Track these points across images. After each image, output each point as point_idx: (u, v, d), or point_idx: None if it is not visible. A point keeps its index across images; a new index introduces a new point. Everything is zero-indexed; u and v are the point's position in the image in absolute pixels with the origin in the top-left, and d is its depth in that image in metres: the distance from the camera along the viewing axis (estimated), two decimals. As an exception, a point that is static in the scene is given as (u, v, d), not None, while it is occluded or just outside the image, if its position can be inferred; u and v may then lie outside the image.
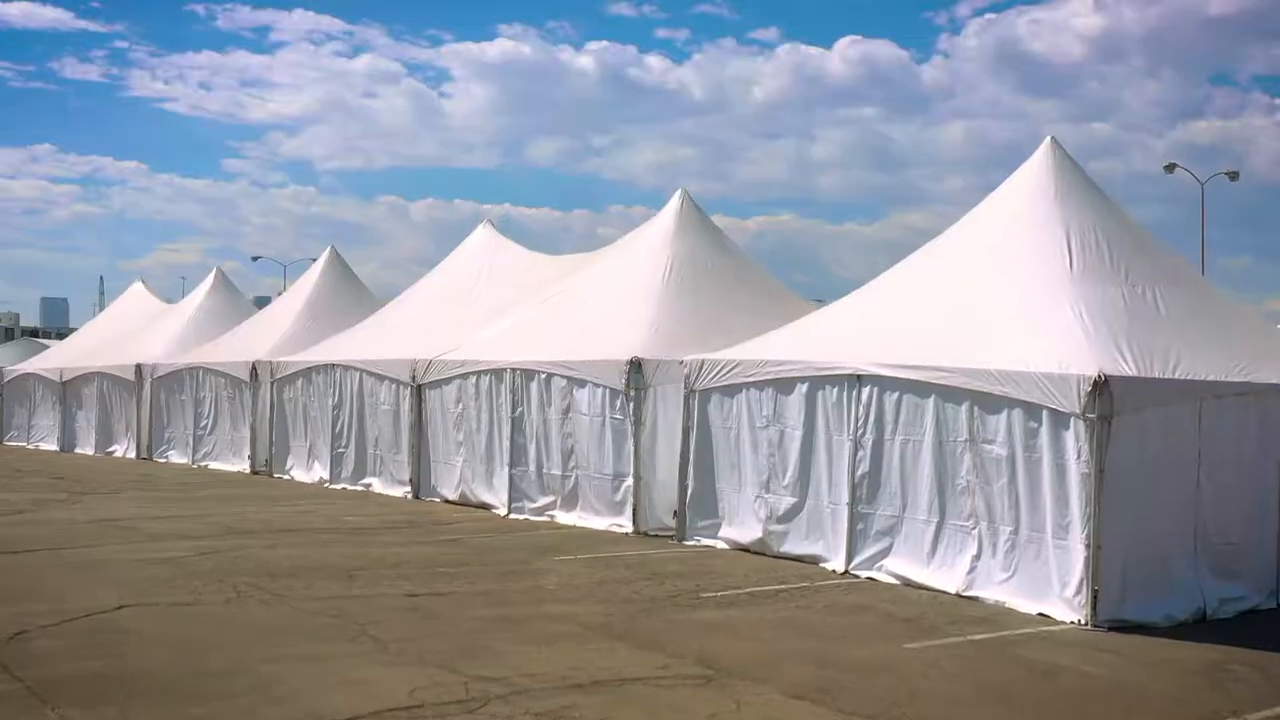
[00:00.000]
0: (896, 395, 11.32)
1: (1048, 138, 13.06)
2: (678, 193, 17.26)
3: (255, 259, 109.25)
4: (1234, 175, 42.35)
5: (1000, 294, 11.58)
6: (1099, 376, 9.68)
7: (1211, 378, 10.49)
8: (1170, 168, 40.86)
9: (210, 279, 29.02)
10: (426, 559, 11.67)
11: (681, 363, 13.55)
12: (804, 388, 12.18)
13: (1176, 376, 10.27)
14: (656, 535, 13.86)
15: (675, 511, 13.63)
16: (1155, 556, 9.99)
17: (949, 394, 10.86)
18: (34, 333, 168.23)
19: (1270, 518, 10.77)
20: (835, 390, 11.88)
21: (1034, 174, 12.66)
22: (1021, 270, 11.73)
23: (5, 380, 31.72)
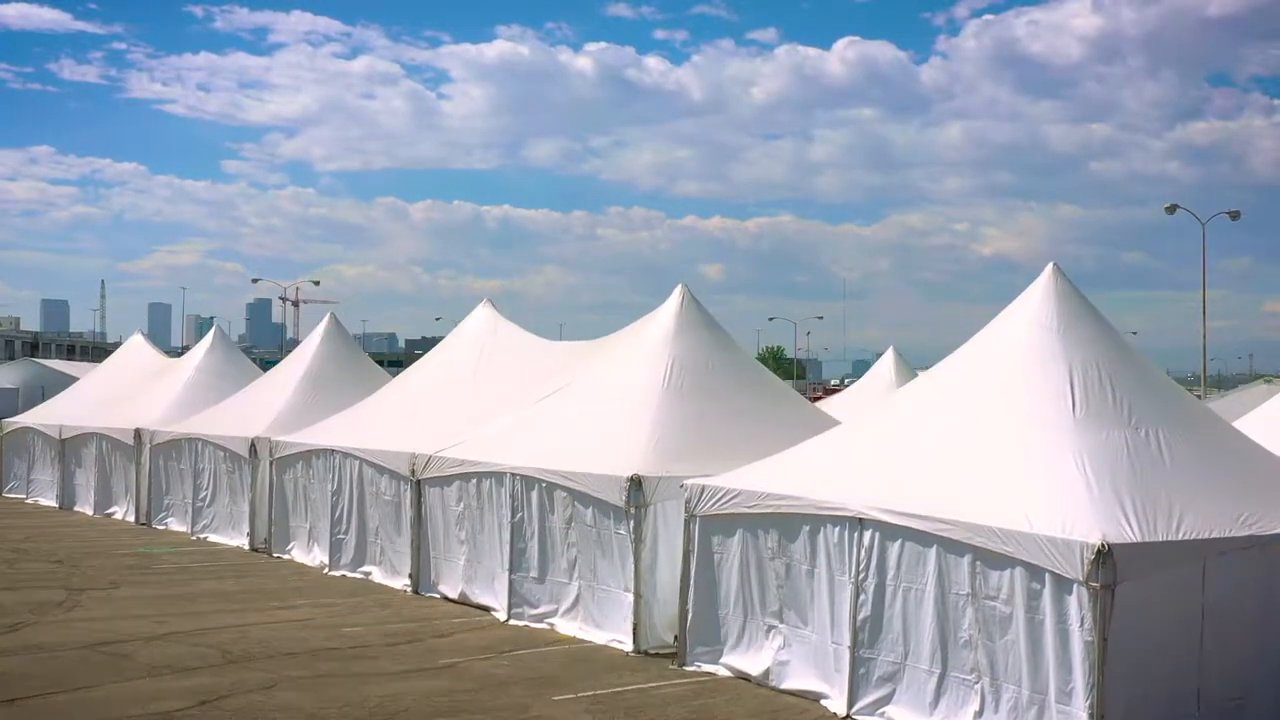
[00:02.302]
0: (899, 542, 11.25)
1: (1050, 265, 13.00)
2: (678, 289, 17.19)
3: (255, 280, 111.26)
4: (1235, 215, 42.35)
5: (1003, 438, 11.50)
6: (1102, 545, 9.62)
7: (1215, 533, 10.41)
8: (1171, 209, 40.86)
9: (210, 337, 28.98)
10: (425, 703, 11.59)
11: (682, 486, 13.48)
12: (806, 525, 12.12)
13: (1180, 536, 10.19)
14: (657, 654, 13.80)
15: (676, 636, 13.58)
16: (1159, 721, 9.96)
17: (951, 546, 10.79)
18: (34, 345, 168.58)
19: (1275, 670, 10.71)
20: (837, 530, 11.81)
21: (1036, 303, 12.57)
22: (1024, 413, 11.65)
23: (4, 432, 31.68)
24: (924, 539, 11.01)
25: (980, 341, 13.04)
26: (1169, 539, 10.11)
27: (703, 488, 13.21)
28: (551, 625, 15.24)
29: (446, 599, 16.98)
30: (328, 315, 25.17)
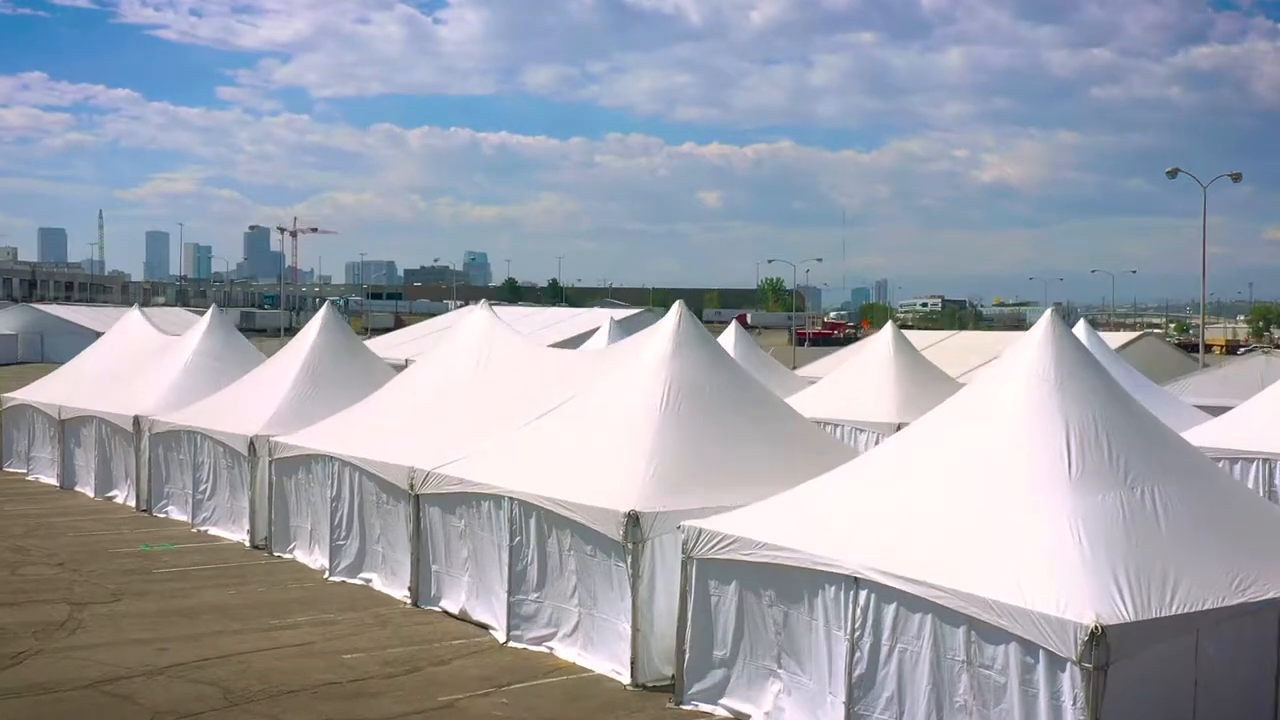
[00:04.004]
0: (894, 605, 11.32)
1: (1049, 310, 13.02)
2: (676, 305, 17.19)
3: (252, 228, 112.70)
4: (1237, 177, 42.20)
5: (999, 498, 11.57)
6: (1096, 628, 9.72)
7: (1209, 603, 10.52)
8: (1173, 173, 40.61)
9: (207, 319, 28.91)
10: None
11: (680, 528, 13.53)
12: (802, 579, 12.18)
13: (1174, 610, 10.29)
14: (655, 688, 13.93)
15: (673, 675, 13.69)
16: (1151, 794, 10.11)
17: (946, 613, 10.86)
18: (32, 283, 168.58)
19: (1266, 735, 10.87)
20: (833, 588, 11.88)
21: (1035, 353, 12.57)
22: (1021, 471, 11.71)
23: (4, 407, 31.75)
24: (920, 604, 11.08)
25: (980, 391, 13.07)
26: (1162, 615, 10.21)
27: (700, 531, 13.25)
28: (550, 649, 15.37)
29: (447, 613, 17.10)
30: (325, 304, 25.17)
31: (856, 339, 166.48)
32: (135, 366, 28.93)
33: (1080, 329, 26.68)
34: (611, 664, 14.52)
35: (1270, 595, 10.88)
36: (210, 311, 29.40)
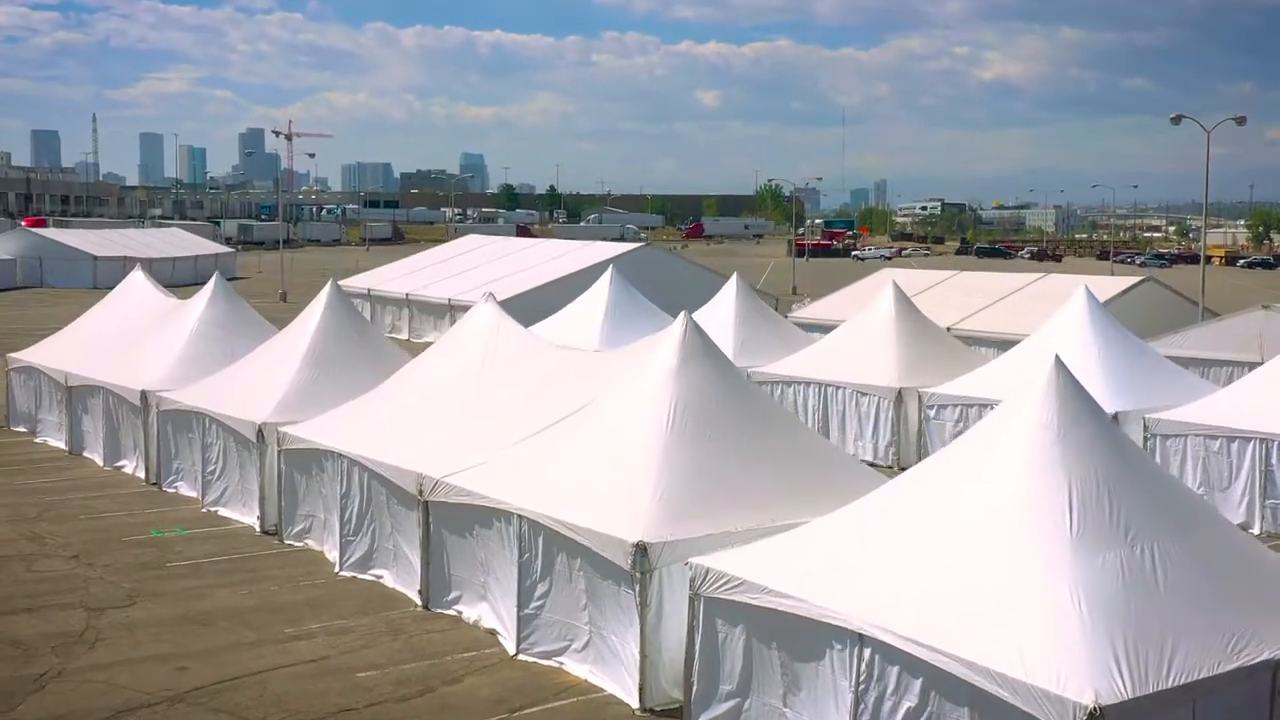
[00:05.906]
0: (898, 666, 11.62)
1: (1054, 356, 13.17)
2: (680, 316, 17.29)
3: (249, 154, 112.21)
4: (1241, 120, 42.05)
5: (1001, 557, 11.82)
6: (1095, 709, 10.04)
7: (1205, 671, 10.86)
8: (1176, 119, 40.46)
9: (210, 287, 28.87)
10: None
11: (687, 564, 13.80)
12: (808, 629, 12.46)
13: (1171, 682, 10.62)
14: (663, 712, 14.30)
15: (681, 705, 14.04)
16: None
17: (949, 679, 11.15)
18: (28, 198, 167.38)
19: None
20: (839, 643, 12.16)
21: (1039, 400, 12.73)
22: (1022, 530, 11.95)
23: (10, 368, 31.93)
24: (923, 668, 11.37)
25: (985, 437, 13.24)
26: (1160, 688, 10.53)
27: (707, 570, 13.51)
28: (560, 664, 15.72)
29: (458, 616, 17.43)
30: (329, 282, 25.16)
31: (856, 249, 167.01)
32: (141, 333, 28.97)
33: (1081, 298, 26.77)
34: (621, 684, 14.88)
35: (1264, 657, 11.20)
36: (214, 279, 29.38)
